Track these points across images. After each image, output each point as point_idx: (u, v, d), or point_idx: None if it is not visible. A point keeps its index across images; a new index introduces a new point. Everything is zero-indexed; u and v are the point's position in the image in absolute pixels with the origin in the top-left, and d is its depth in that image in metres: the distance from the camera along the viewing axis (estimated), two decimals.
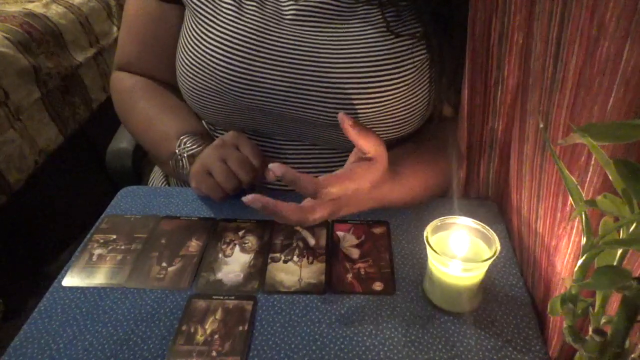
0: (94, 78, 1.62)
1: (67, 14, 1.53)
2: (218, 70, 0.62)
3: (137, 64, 0.77)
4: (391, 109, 0.62)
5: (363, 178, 0.53)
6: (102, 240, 0.62)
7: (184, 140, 0.68)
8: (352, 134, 0.52)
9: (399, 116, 0.63)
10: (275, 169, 0.50)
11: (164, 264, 0.58)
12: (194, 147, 0.67)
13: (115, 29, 1.75)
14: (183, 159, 0.67)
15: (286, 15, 0.62)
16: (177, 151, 0.68)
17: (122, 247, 0.61)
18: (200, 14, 0.65)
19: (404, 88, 0.61)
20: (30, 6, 1.48)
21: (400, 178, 0.59)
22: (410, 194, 0.61)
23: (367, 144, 0.52)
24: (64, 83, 1.47)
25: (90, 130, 1.60)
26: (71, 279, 0.57)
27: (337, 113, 0.61)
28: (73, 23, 1.54)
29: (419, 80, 0.62)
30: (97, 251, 0.60)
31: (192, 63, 0.64)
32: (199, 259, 0.59)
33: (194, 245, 0.61)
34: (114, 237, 0.62)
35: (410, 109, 0.63)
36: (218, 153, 0.63)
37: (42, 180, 1.38)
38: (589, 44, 0.39)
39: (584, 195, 0.39)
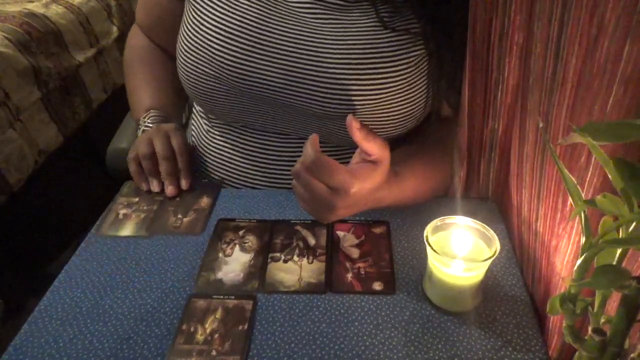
0: (94, 78, 1.62)
1: (67, 14, 1.53)
2: (217, 54, 0.62)
3: (148, 34, 0.85)
4: (388, 103, 0.62)
5: (366, 179, 0.53)
6: (126, 203, 0.70)
7: (151, 114, 0.75)
8: (358, 136, 0.52)
9: (396, 111, 0.63)
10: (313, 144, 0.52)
11: (179, 215, 0.66)
12: (150, 125, 0.73)
13: (115, 29, 1.75)
14: (139, 130, 0.75)
15: (288, 1, 0.62)
16: (140, 120, 0.75)
17: (145, 208, 0.69)
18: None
19: (400, 83, 0.61)
20: (30, 6, 1.48)
21: (399, 179, 0.59)
22: (409, 195, 0.62)
23: (372, 148, 0.53)
24: (64, 83, 1.47)
25: (90, 130, 1.60)
26: (102, 231, 0.64)
27: (332, 103, 0.61)
28: (73, 23, 1.54)
29: (417, 77, 0.62)
30: (123, 211, 0.68)
31: (191, 48, 0.64)
32: (209, 212, 0.66)
33: (205, 201, 0.69)
34: (137, 199, 0.70)
35: (408, 105, 0.63)
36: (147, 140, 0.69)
37: (42, 180, 1.38)
38: (589, 44, 0.39)
39: (583, 194, 0.39)
